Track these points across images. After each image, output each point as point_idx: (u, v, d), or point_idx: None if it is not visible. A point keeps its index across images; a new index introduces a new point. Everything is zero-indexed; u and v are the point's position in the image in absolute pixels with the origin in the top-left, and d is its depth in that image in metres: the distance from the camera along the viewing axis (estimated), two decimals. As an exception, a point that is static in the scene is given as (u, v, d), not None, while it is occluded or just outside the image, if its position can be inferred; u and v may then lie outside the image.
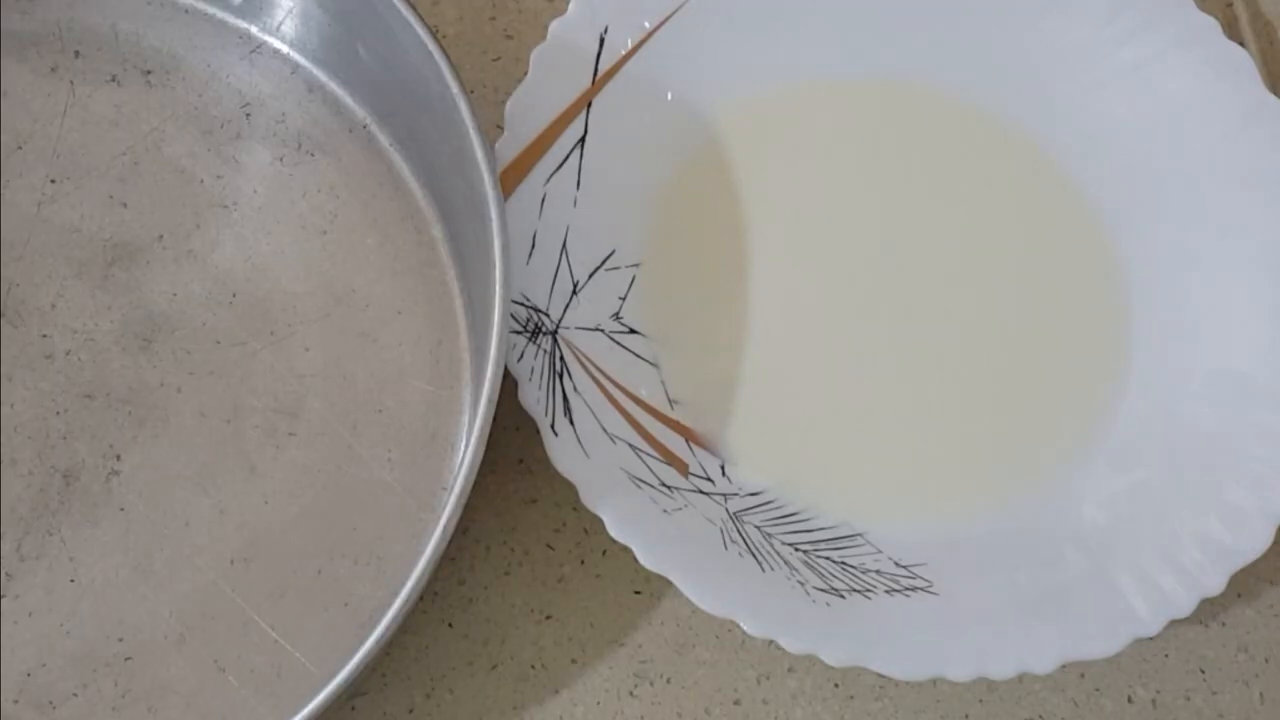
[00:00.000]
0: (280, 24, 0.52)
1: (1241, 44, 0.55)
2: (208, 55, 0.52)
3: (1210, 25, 0.52)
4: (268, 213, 0.50)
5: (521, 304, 0.48)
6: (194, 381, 0.48)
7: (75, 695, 0.45)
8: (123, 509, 0.47)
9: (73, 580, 0.46)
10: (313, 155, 0.51)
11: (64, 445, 0.47)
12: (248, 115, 0.51)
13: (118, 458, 0.47)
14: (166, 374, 0.48)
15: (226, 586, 0.46)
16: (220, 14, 0.52)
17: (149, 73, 0.52)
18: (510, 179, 0.49)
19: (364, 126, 0.51)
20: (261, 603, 0.46)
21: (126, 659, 0.45)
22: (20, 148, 0.50)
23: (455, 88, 0.45)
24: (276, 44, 0.52)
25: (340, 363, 0.49)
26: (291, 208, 0.50)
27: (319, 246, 0.50)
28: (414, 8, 0.46)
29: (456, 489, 0.41)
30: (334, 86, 0.52)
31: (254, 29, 0.52)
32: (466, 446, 0.42)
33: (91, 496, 0.47)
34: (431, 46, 0.45)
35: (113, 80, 0.51)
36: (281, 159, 0.51)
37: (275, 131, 0.51)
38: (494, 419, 0.42)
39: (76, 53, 0.52)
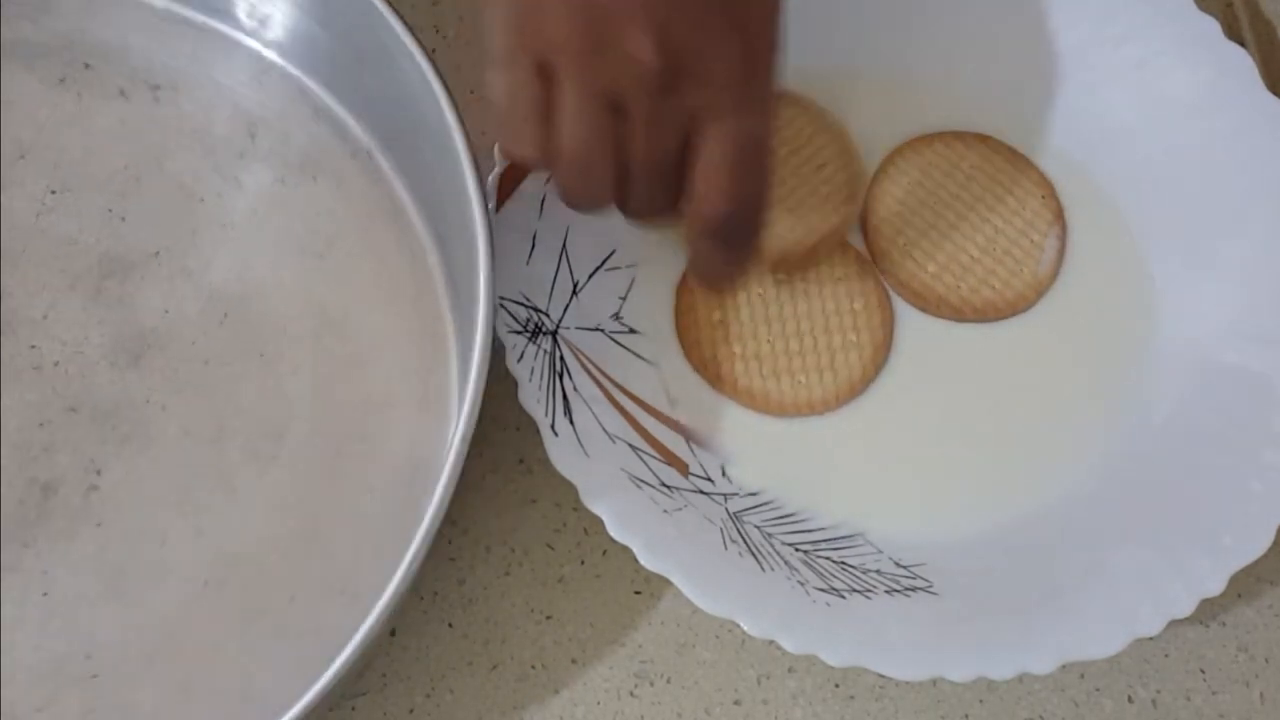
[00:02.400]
0: (290, 46, 0.52)
1: (1241, 44, 0.55)
2: (217, 73, 0.52)
3: (1210, 26, 0.52)
4: (265, 233, 0.50)
5: (522, 304, 0.48)
6: (180, 400, 0.48)
7: (40, 711, 0.44)
8: (100, 524, 0.46)
9: (45, 594, 0.46)
10: (314, 179, 0.51)
11: (45, 457, 0.47)
12: (252, 135, 0.51)
13: (98, 473, 0.47)
14: (153, 391, 0.48)
15: (198, 609, 0.45)
16: (232, 33, 0.52)
17: (157, 88, 0.52)
18: (511, 179, 0.49)
19: (367, 153, 0.51)
20: (232, 627, 0.45)
21: (93, 676, 0.45)
22: (23, 157, 0.50)
23: (452, 119, 0.45)
24: (286, 66, 0.52)
25: (328, 388, 0.48)
26: (290, 230, 0.50)
27: (314, 270, 0.50)
28: (416, 37, 0.45)
29: (424, 523, 0.40)
30: (340, 111, 0.52)
31: (264, 50, 0.52)
32: (437, 483, 0.41)
33: (70, 510, 0.47)
34: (431, 77, 0.45)
35: (120, 94, 0.51)
36: (283, 180, 0.51)
37: (278, 153, 0.51)
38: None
39: (86, 65, 0.52)
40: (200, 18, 0.52)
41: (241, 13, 0.52)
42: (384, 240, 0.50)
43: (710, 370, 0.50)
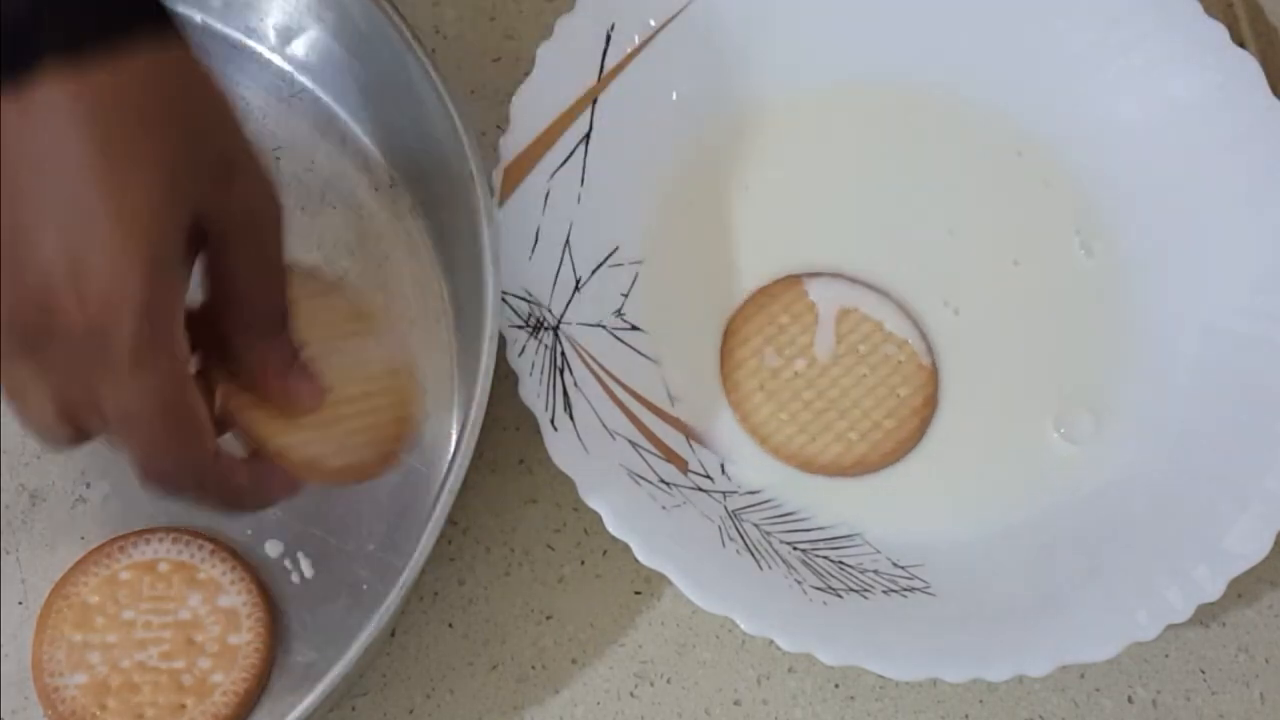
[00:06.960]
0: (321, 72, 0.51)
1: (1241, 44, 0.54)
2: (248, 92, 0.52)
3: (1217, 31, 0.52)
4: (279, 259, 0.50)
5: (524, 299, 0.48)
6: (177, 419, 0.48)
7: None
8: (83, 538, 0.46)
9: (20, 603, 0.45)
10: (334, 208, 0.51)
11: (37, 465, 0.47)
12: (277, 158, 0.51)
13: (87, 485, 0.47)
14: (151, 407, 0.48)
15: (170, 634, 0.45)
16: (267, 53, 0.52)
17: (186, 102, 0.51)
18: (514, 174, 0.49)
19: (390, 187, 0.51)
20: (202, 656, 0.45)
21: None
22: (46, 160, 0.50)
23: (474, 166, 0.44)
24: (316, 91, 0.52)
25: (324, 422, 0.48)
26: (303, 258, 0.50)
27: (324, 301, 0.49)
28: (445, 81, 0.45)
29: (402, 580, 0.40)
30: (367, 142, 0.51)
31: (298, 73, 0.52)
32: (419, 538, 0.41)
33: (55, 521, 0.46)
34: (459, 123, 0.45)
35: (149, 105, 0.51)
36: (303, 207, 0.51)
37: (302, 179, 0.51)
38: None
39: (118, 72, 0.51)
40: (235, 35, 0.52)
41: (274, 34, 0.51)
42: (397, 276, 0.50)
43: (741, 412, 0.50)
